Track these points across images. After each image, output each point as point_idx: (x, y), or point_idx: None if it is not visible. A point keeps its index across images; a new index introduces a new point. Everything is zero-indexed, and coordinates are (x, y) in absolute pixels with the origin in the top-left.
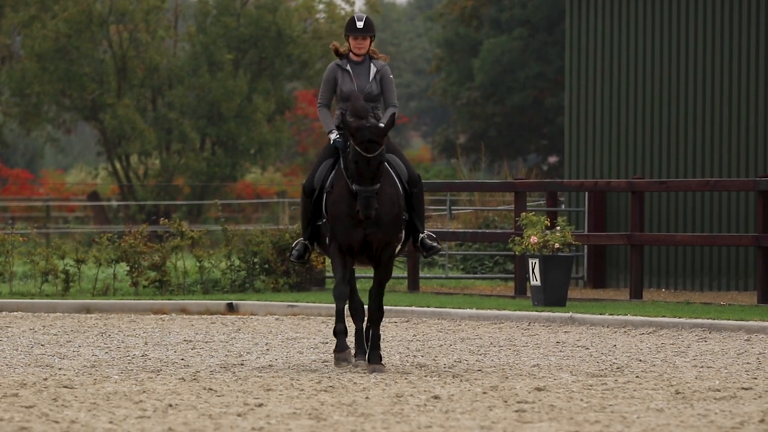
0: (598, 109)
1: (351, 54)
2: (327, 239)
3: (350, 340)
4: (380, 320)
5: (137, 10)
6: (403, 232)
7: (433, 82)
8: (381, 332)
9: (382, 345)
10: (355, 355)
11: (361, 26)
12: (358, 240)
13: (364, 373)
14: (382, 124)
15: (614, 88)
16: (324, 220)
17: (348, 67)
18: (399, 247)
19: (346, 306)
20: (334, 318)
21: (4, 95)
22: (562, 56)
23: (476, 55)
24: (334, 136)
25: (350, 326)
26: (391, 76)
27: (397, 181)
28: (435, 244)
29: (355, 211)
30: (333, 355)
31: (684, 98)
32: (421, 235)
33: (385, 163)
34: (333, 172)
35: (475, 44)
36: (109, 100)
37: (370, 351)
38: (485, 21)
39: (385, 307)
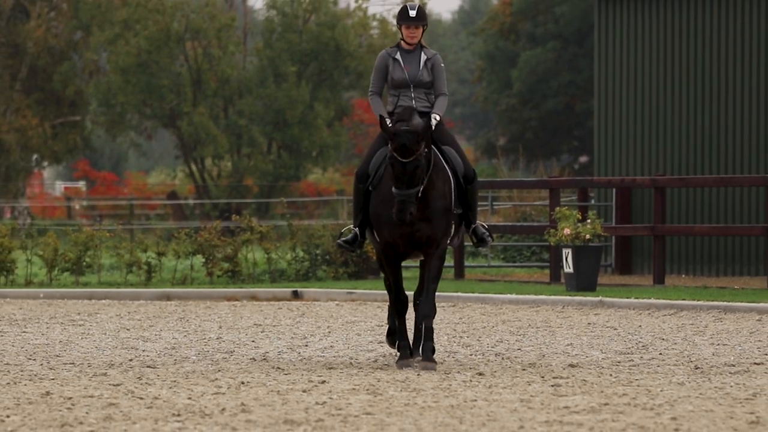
0: (624, 113)
1: (402, 43)
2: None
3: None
4: (433, 316)
5: (210, 28)
6: (453, 226)
7: (475, 90)
8: (434, 326)
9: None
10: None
11: (414, 15)
12: (403, 236)
13: (416, 369)
14: (419, 124)
15: (638, 95)
16: None
17: (398, 56)
18: (451, 236)
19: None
20: (389, 319)
21: (92, 105)
22: (591, 66)
23: (514, 65)
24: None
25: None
26: (443, 65)
27: (450, 175)
28: (486, 236)
29: (392, 210)
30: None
31: (701, 103)
32: (473, 226)
33: (438, 154)
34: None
35: (513, 56)
36: (186, 108)
37: (423, 343)
38: (522, 35)
39: None
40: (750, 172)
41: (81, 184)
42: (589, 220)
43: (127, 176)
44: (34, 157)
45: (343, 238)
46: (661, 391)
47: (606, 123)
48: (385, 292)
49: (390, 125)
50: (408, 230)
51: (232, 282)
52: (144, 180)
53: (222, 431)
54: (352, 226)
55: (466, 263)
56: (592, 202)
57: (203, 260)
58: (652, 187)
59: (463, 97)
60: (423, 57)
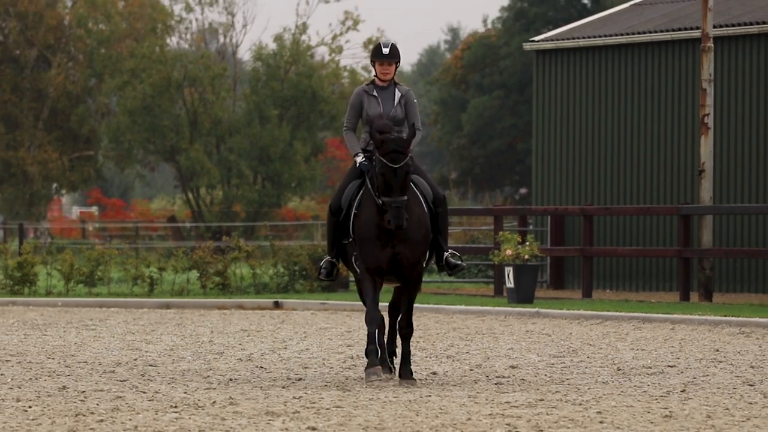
0: (557, 152)
1: (376, 80)
2: (353, 258)
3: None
4: (410, 336)
5: (205, 77)
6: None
7: (431, 132)
8: (412, 347)
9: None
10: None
11: (387, 52)
12: (386, 259)
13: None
14: (404, 136)
15: (570, 136)
16: (351, 240)
17: (374, 93)
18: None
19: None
20: (365, 327)
21: (104, 142)
22: (530, 112)
23: (464, 111)
24: (360, 159)
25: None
26: (416, 101)
27: (422, 200)
28: (459, 262)
29: (386, 222)
30: (364, 371)
31: (623, 144)
32: (446, 254)
33: (411, 184)
34: (360, 193)
35: (463, 103)
36: (184, 145)
37: (401, 366)
38: (471, 85)
39: None
40: (664, 203)
41: (94, 209)
42: (527, 243)
43: (133, 203)
44: (54, 185)
45: (324, 272)
46: (589, 389)
47: (543, 160)
48: (353, 302)
49: (377, 136)
50: (390, 252)
51: (223, 293)
52: (148, 206)
53: (213, 421)
54: (328, 257)
55: (423, 279)
56: (530, 227)
57: (198, 275)
58: (581, 215)
59: (420, 138)
60: (397, 94)
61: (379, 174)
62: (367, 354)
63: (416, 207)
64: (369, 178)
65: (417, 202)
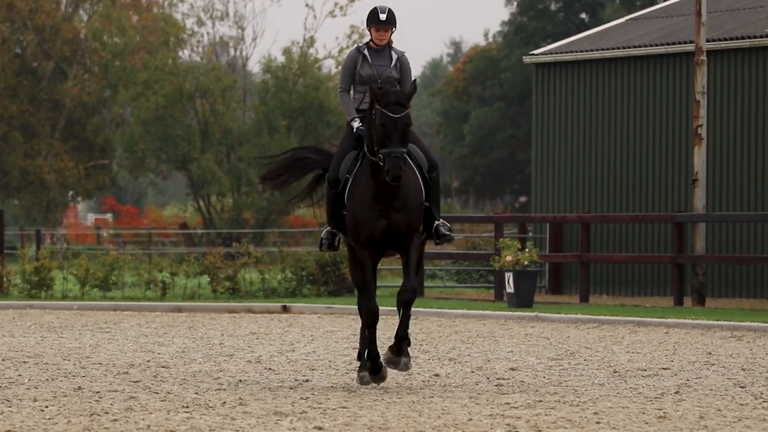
0: (556, 161)
1: (371, 43)
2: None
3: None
4: (412, 302)
5: (216, 88)
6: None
7: (433, 141)
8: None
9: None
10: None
11: (384, 18)
12: (380, 230)
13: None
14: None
15: (568, 146)
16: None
17: (366, 52)
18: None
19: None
20: (360, 334)
21: (118, 151)
22: (530, 122)
23: (466, 121)
24: (356, 124)
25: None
26: (410, 65)
27: (417, 171)
28: (448, 232)
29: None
30: (357, 375)
31: (620, 154)
32: (436, 223)
33: (407, 157)
34: (357, 164)
35: (465, 114)
36: (195, 154)
37: (394, 342)
38: (473, 96)
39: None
40: (659, 211)
41: (108, 216)
42: (527, 249)
43: (146, 210)
44: (70, 193)
45: (325, 243)
46: (586, 390)
47: (542, 170)
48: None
49: (377, 88)
50: (385, 224)
51: (233, 297)
52: (160, 213)
53: (223, 421)
54: (328, 228)
55: (426, 284)
56: (530, 234)
57: (209, 279)
58: (579, 223)
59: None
60: (393, 56)
61: (379, 125)
62: (368, 357)
63: (412, 177)
64: (366, 144)
65: (413, 173)
